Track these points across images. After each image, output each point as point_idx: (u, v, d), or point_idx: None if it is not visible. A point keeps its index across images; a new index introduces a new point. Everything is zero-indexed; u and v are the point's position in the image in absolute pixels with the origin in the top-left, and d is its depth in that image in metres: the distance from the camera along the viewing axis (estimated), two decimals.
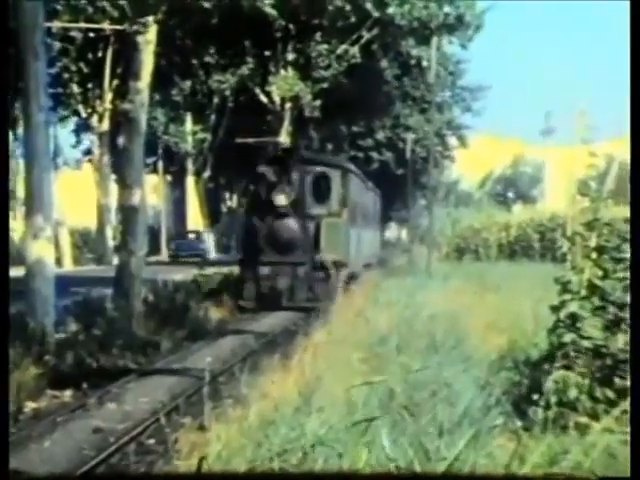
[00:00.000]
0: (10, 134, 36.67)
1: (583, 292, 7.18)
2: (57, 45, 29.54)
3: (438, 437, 5.85)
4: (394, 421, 6.24)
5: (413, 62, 31.55)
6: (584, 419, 6.44)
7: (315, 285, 20.29)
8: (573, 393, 6.76)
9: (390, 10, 24.39)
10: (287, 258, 20.23)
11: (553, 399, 6.78)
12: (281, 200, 19.93)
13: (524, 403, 6.98)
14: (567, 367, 6.99)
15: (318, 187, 21.51)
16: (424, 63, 31.53)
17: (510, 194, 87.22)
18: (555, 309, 7.32)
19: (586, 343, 6.98)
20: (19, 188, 39.61)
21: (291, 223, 20.27)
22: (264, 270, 20.15)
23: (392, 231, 70.31)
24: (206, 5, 21.25)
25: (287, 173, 20.13)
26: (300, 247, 20.35)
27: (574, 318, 7.13)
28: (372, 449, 5.79)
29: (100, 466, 7.56)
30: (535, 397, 6.89)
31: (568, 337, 7.08)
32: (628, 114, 5.08)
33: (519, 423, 6.39)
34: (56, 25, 23.42)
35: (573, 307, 7.14)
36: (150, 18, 16.39)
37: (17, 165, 41.47)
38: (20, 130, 27.91)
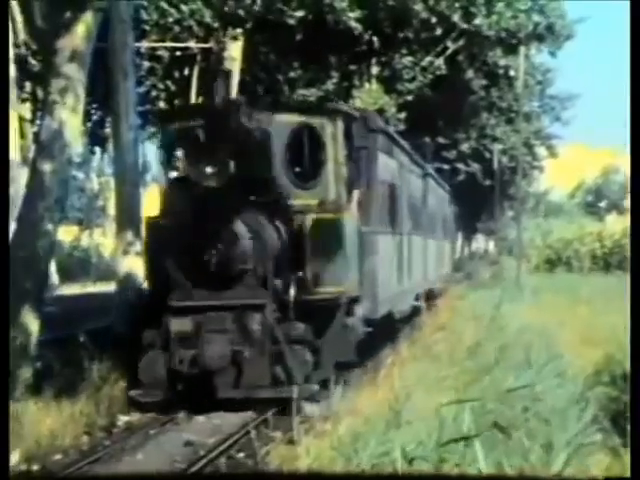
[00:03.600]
0: (99, 152, 37.58)
1: None
2: (145, 64, 30.24)
3: (533, 454, 5.69)
4: (486, 437, 6.10)
5: (500, 72, 31.14)
6: None
7: (289, 352, 9.92)
8: None
9: (477, 21, 24.12)
10: (226, 297, 10.09)
11: None
12: (209, 177, 10.01)
13: (623, 419, 6.74)
14: None
15: (297, 153, 11.08)
16: (511, 73, 31.08)
17: (602, 204, 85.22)
18: None
19: None
20: (110, 205, 40.59)
21: (233, 224, 10.04)
22: (180, 324, 9.96)
23: (479, 243, 69.45)
24: (291, 21, 21.42)
25: (230, 125, 10.10)
26: (254, 273, 10.17)
27: None
28: (463, 465, 5.67)
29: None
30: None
31: None
32: None
33: (618, 440, 6.17)
34: (144, 45, 23.97)
35: None
36: (238, 30, 16.59)
37: (107, 182, 42.56)
38: (111, 148, 28.62)
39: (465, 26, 24.54)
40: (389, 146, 13.81)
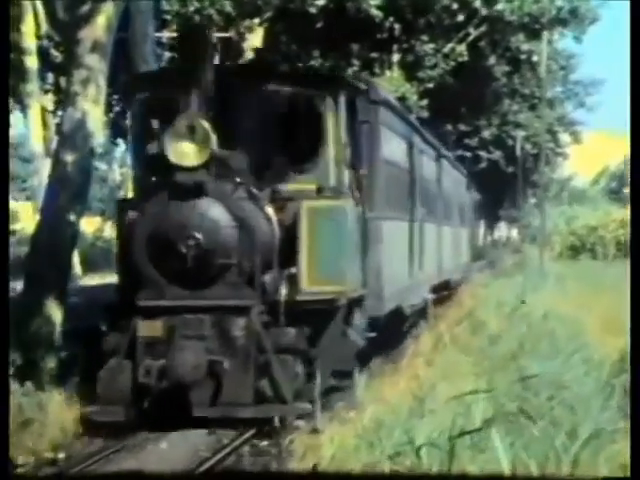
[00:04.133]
0: (123, 143, 37.75)
1: None
2: (166, 54, 30.34)
3: (557, 441, 5.67)
4: (510, 425, 6.08)
5: (523, 57, 30.94)
6: None
7: (277, 363, 8.55)
8: None
9: (499, 6, 23.96)
10: (205, 297, 8.73)
11: None
12: (184, 155, 8.53)
13: None
14: None
15: (293, 129, 9.68)
16: (534, 58, 30.87)
17: (626, 190, 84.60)
18: None
19: None
20: (130, 195, 40.74)
21: (210, 210, 8.71)
22: (149, 328, 8.59)
23: (501, 231, 69.17)
24: (311, 10, 21.37)
25: (214, 95, 8.80)
26: (238, 269, 8.74)
27: None
28: (486, 452, 5.66)
29: (217, 467, 7.65)
30: None
31: None
32: None
33: None
34: (165, 35, 24.01)
35: None
36: (256, 20, 16.59)
37: (129, 173, 42.79)
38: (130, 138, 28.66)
39: (487, 12, 24.38)
40: (395, 121, 12.08)
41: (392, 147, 11.80)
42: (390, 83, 25.23)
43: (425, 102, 25.29)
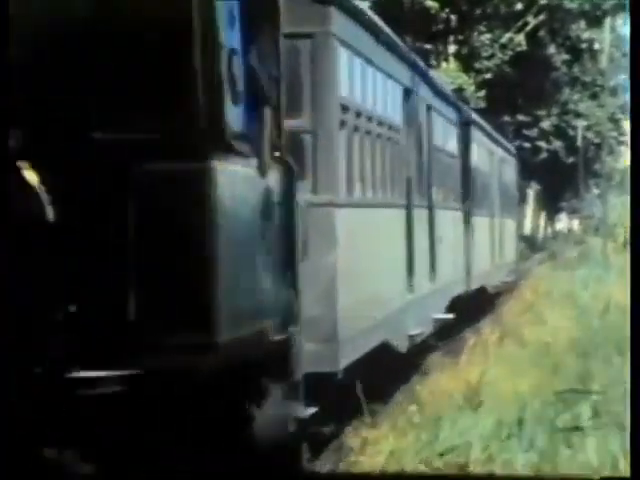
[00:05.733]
0: None
1: None
2: None
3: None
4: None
5: (583, 46, 30.43)
6: None
7: None
8: None
9: None
10: None
11: None
12: None
13: None
14: None
15: (116, 23, 3.82)
16: (596, 46, 30.34)
17: None
18: None
19: None
20: None
21: None
22: None
23: (563, 222, 68.17)
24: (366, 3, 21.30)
25: None
26: None
27: None
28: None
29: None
30: None
31: None
32: None
33: None
34: None
35: None
36: None
37: None
38: None
39: (546, 0, 24.03)
40: (371, 45, 7.56)
41: (367, 87, 7.40)
42: (447, 75, 25.03)
43: (483, 93, 25.01)
